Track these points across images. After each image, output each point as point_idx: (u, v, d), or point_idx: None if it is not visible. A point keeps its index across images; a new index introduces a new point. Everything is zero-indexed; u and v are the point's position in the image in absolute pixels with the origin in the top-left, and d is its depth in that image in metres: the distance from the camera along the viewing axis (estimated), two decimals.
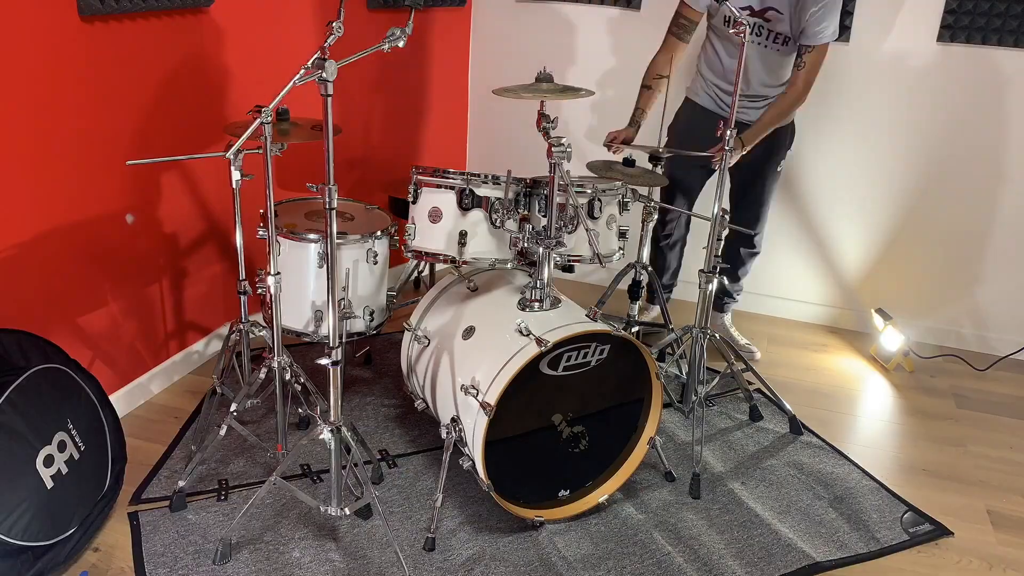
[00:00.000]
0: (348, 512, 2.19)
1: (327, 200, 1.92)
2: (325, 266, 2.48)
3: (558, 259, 2.44)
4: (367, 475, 2.34)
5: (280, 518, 2.31)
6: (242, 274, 2.47)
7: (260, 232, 2.46)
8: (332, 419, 2.15)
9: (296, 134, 2.51)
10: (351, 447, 2.21)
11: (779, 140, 3.07)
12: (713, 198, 2.66)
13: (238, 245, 2.43)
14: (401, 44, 2.04)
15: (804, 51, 2.83)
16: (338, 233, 2.52)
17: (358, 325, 2.62)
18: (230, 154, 2.17)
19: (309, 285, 2.53)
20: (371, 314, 2.65)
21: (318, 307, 2.54)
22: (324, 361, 2.05)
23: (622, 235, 2.59)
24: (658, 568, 2.22)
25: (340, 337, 2.08)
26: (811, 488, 2.59)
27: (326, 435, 2.14)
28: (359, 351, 3.19)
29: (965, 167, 3.44)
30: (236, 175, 2.27)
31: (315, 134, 2.58)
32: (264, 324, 2.63)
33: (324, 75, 1.83)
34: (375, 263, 2.59)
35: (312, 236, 2.50)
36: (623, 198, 2.57)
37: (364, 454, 2.44)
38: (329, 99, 1.86)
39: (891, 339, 3.42)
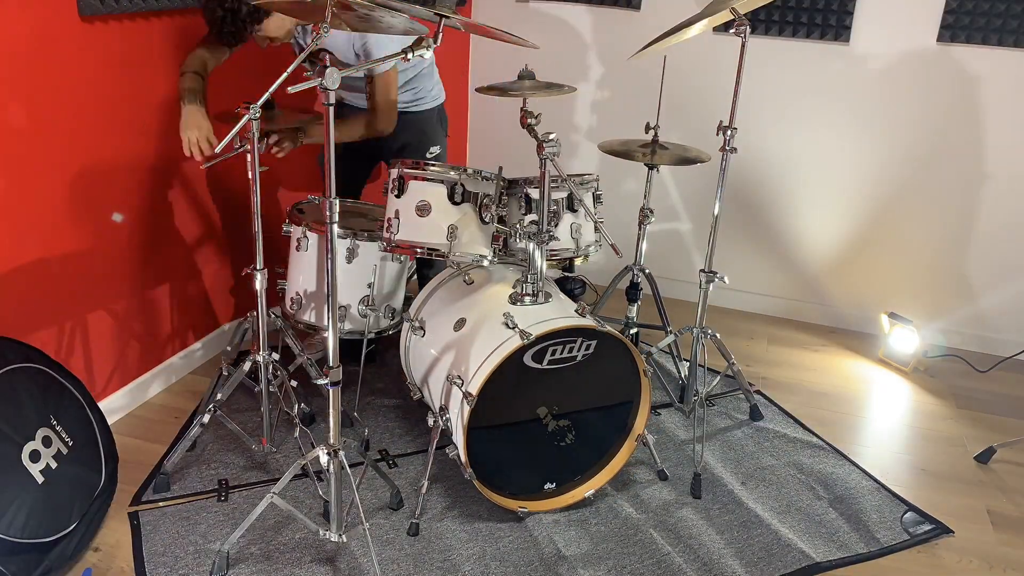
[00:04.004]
0: (346, 540, 2.12)
1: (328, 214, 1.82)
2: (352, 262, 2.57)
3: (558, 259, 2.45)
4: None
5: (280, 516, 2.31)
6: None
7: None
8: (331, 441, 2.02)
9: (283, 119, 2.57)
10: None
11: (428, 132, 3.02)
12: (714, 198, 2.67)
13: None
14: (427, 55, 1.88)
15: (367, 82, 2.73)
16: (366, 232, 2.59)
17: (381, 323, 2.68)
18: (220, 148, 2.06)
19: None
20: (392, 313, 2.71)
21: (343, 303, 2.59)
22: (322, 382, 1.95)
23: (597, 228, 2.62)
24: (658, 568, 2.22)
25: (338, 352, 1.97)
26: (811, 488, 2.59)
27: (323, 459, 2.04)
28: (370, 347, 3.19)
29: (967, 167, 3.44)
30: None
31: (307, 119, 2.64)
32: (280, 317, 2.69)
33: (325, 83, 1.70)
34: (399, 262, 2.66)
35: (341, 232, 2.55)
36: (595, 191, 2.59)
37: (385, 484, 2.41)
38: (331, 108, 1.75)
39: (905, 341, 3.41)
